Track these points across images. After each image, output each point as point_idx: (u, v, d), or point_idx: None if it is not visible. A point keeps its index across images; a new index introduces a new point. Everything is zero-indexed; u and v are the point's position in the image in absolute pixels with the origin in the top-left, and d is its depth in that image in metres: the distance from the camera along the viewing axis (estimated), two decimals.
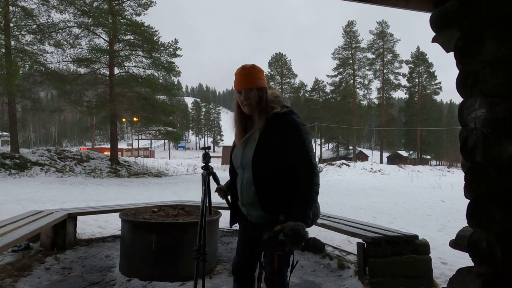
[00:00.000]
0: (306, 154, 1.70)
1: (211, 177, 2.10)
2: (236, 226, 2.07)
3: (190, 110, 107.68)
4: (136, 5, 22.29)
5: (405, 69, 56.16)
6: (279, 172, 1.71)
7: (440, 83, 55.28)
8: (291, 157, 1.70)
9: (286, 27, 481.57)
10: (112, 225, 5.69)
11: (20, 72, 19.53)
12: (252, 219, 1.86)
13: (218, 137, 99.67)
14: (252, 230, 1.89)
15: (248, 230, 1.95)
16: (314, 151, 1.77)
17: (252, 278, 1.95)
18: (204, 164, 2.21)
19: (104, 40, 21.95)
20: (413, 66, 55.94)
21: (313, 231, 4.11)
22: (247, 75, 1.74)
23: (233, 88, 1.82)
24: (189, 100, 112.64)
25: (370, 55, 56.25)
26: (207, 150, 2.27)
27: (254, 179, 1.73)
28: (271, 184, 1.71)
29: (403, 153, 61.60)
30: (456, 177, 25.20)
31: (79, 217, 4.83)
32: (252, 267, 1.95)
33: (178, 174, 23.18)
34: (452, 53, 1.86)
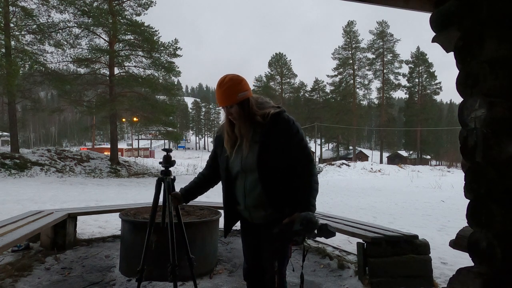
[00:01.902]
0: (305, 148, 1.79)
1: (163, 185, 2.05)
2: (237, 227, 2.07)
3: (190, 110, 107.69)
4: (136, 5, 22.29)
5: (405, 69, 56.26)
6: (282, 169, 1.77)
7: (440, 83, 55.33)
8: (292, 152, 1.77)
9: (292, 24, 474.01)
10: (112, 225, 5.69)
11: (20, 72, 19.52)
12: (254, 220, 1.89)
13: None
14: (254, 232, 1.95)
15: (250, 233, 1.98)
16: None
17: (263, 281, 1.96)
18: (164, 169, 2.11)
19: (104, 40, 21.96)
20: (413, 66, 55.94)
21: None
22: (224, 93, 1.73)
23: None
24: (189, 100, 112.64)
25: (370, 55, 56.32)
26: (169, 153, 2.14)
27: (261, 180, 1.76)
28: (278, 182, 1.76)
29: (403, 153, 61.61)
30: (456, 177, 25.20)
31: (79, 217, 4.83)
32: (262, 270, 1.96)
33: (178, 174, 23.18)
34: (452, 53, 1.86)
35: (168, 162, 2.09)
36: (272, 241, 1.79)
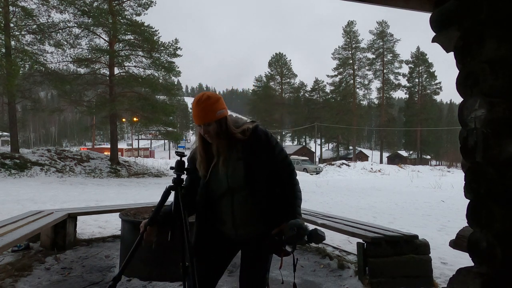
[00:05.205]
0: (286, 158, 1.83)
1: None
2: None
3: (190, 110, 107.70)
4: (136, 5, 22.27)
5: (405, 69, 56.29)
6: (268, 182, 1.78)
7: (440, 83, 55.36)
8: (275, 164, 1.79)
9: (300, 21, 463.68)
10: (112, 225, 5.69)
11: (20, 72, 19.51)
12: (240, 237, 1.82)
13: None
14: (232, 249, 1.90)
15: (223, 249, 1.88)
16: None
17: None
18: (176, 176, 1.82)
19: (104, 40, 21.95)
20: (413, 66, 55.97)
21: None
22: (203, 110, 1.69)
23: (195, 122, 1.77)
24: (189, 100, 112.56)
25: (370, 55, 56.36)
26: (182, 158, 1.85)
27: (250, 196, 1.75)
28: (266, 196, 1.77)
29: (403, 153, 61.63)
30: (456, 177, 25.19)
31: (79, 217, 4.83)
32: (215, 285, 1.91)
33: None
34: (452, 53, 1.86)
35: (181, 169, 1.84)
36: (261, 253, 1.80)
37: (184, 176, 1.89)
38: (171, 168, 1.91)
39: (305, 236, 1.60)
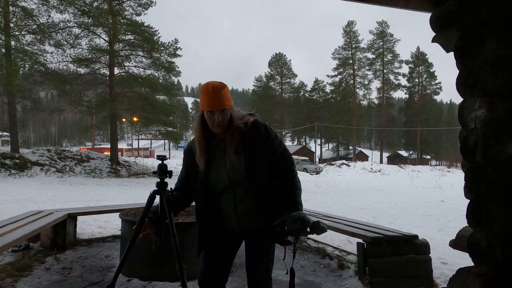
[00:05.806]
0: (285, 151, 1.85)
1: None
2: None
3: (190, 110, 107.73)
4: (136, 5, 22.29)
5: (405, 69, 56.30)
6: (269, 175, 1.79)
7: (440, 83, 55.39)
8: (275, 156, 1.80)
9: (300, 19, 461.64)
10: (112, 225, 5.69)
11: (20, 72, 19.52)
12: (243, 230, 1.85)
13: None
14: (235, 241, 1.92)
15: (228, 241, 1.90)
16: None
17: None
18: (160, 180, 1.84)
19: (104, 40, 21.96)
20: (413, 66, 55.99)
21: None
22: (220, 96, 1.67)
23: (200, 107, 1.74)
24: (189, 100, 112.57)
25: (370, 55, 56.36)
26: (164, 161, 1.86)
27: (252, 189, 1.75)
28: (267, 188, 1.78)
29: (403, 153, 61.62)
30: (456, 177, 25.18)
31: (79, 217, 4.83)
32: (226, 278, 1.93)
33: (178, 174, 23.13)
34: (452, 53, 1.86)
35: (164, 172, 1.86)
36: (264, 244, 1.83)
37: (167, 180, 1.90)
38: (154, 173, 1.91)
39: (307, 228, 1.63)
